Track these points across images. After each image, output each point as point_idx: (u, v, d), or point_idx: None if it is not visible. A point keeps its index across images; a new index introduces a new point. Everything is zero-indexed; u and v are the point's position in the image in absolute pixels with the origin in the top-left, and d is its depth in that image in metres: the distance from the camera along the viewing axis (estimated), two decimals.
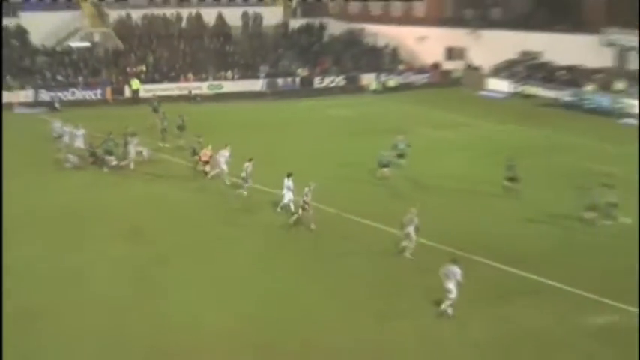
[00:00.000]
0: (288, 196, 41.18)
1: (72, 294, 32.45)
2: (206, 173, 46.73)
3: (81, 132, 52.87)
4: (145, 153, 51.18)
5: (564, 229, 39.91)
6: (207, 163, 46.69)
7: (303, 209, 38.11)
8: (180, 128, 55.94)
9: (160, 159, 52.36)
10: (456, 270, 29.55)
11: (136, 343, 28.50)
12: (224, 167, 45.88)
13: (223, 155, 45.81)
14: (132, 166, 49.39)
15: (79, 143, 52.92)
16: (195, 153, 48.29)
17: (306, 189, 38.45)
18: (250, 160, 43.65)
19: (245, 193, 43.68)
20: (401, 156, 48.91)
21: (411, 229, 35.55)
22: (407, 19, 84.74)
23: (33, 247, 36.24)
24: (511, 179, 45.11)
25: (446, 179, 47.35)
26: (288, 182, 41.10)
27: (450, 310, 29.52)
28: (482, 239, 37.04)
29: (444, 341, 28.94)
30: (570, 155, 55.01)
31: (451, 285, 29.50)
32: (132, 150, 50.22)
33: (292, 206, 39.97)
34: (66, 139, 53.03)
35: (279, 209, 40.41)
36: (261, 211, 41.86)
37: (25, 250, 35.67)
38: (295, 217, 38.25)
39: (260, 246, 37.75)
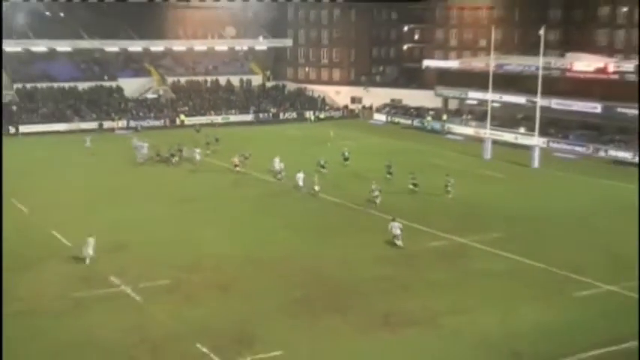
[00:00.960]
0: (278, 165, 51.64)
1: (146, 232, 39.60)
2: (236, 166, 53.70)
3: (145, 144, 61.57)
4: (197, 156, 57.84)
5: (420, 195, 47.17)
6: (236, 165, 53.88)
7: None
8: (212, 142, 64.84)
9: (204, 161, 59.12)
10: (397, 224, 35.95)
11: (178, 260, 35.72)
12: (277, 167, 52.50)
13: (275, 161, 53.30)
14: (197, 159, 57.46)
15: (145, 150, 60.87)
16: (245, 157, 55.45)
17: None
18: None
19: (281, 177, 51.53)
20: (346, 159, 57.05)
21: (377, 191, 44.47)
22: (330, 82, 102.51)
23: (127, 207, 44.39)
24: (389, 172, 52.09)
25: (358, 169, 55.84)
26: (279, 163, 51.58)
27: (400, 243, 35.41)
28: (386, 199, 45.32)
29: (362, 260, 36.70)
30: (419, 155, 64.56)
31: (397, 231, 35.75)
32: (191, 154, 57.81)
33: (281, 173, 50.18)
34: (139, 148, 61.29)
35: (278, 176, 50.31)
36: (260, 186, 49.97)
37: (124, 209, 44.10)
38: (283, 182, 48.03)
39: (256, 204, 45.34)
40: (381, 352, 25.03)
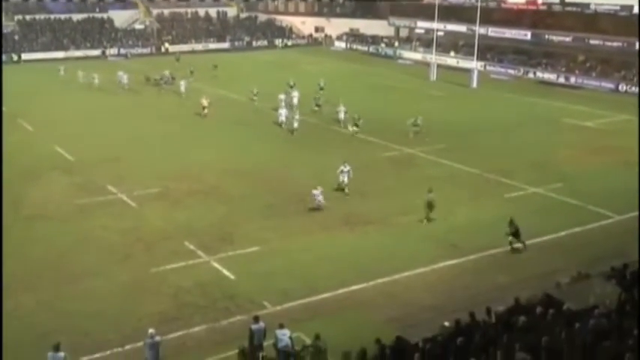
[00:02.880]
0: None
1: (137, 147, 39.45)
2: (204, 108, 46.26)
3: (125, 75, 58.14)
4: (182, 88, 54.26)
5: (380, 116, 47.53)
6: (205, 107, 46.22)
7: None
8: (192, 72, 61.43)
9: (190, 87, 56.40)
10: (346, 167, 31.09)
11: (167, 171, 36.43)
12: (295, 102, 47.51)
13: (288, 93, 48.94)
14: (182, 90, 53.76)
15: (125, 80, 57.61)
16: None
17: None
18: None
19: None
20: (322, 89, 51.42)
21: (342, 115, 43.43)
22: (296, 13, 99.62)
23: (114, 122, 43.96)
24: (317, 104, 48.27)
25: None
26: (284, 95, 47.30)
27: (347, 190, 31.01)
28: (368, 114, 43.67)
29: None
30: (374, 77, 64.60)
31: (344, 178, 32.07)
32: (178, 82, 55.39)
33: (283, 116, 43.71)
34: (121, 78, 58.38)
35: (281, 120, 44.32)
36: (238, 106, 49.63)
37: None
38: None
39: (235, 121, 45.04)
40: (341, 245, 25.47)
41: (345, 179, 30.99)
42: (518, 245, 24.78)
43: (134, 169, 35.36)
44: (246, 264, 23.93)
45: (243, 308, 20.62)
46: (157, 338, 16.86)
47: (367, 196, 30.99)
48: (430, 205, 27.51)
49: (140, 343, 17.44)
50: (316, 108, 47.71)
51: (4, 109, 46.81)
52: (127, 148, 39.18)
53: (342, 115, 43.47)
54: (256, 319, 17.51)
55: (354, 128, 40.94)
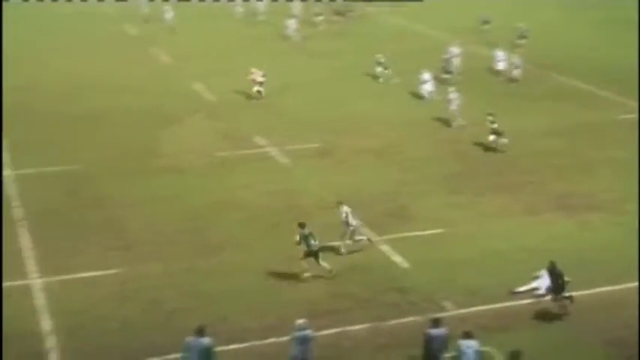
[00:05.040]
0: None
1: (289, 89, 40.45)
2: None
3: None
4: None
5: None
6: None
7: None
8: None
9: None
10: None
11: (328, 121, 36.94)
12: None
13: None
14: None
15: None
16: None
17: None
18: None
19: None
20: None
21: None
22: None
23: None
24: None
25: None
26: None
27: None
28: None
29: None
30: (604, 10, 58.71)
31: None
32: None
33: None
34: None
35: None
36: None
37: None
38: None
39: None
40: (552, 236, 24.38)
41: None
42: None
43: (287, 117, 36.02)
44: (424, 250, 23.66)
45: (416, 307, 20.39)
46: (309, 332, 17.01)
47: (593, 173, 29.67)
48: None
49: (285, 338, 17.68)
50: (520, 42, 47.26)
51: (133, 32, 50.11)
52: (280, 90, 39.92)
53: None
54: (436, 323, 17.22)
55: None
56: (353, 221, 23.24)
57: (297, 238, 22.07)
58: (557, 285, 19.91)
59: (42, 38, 53.44)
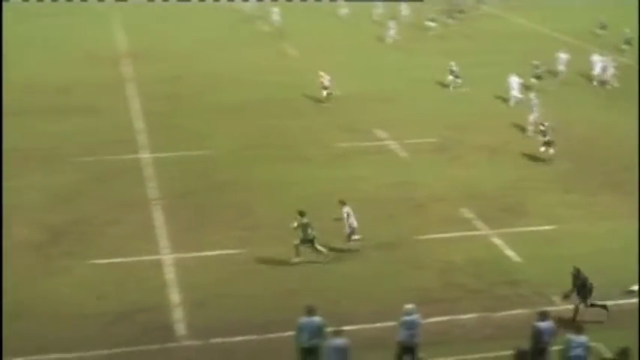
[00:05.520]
0: None
1: (411, 83, 41.09)
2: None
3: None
4: None
5: None
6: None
7: None
8: None
9: None
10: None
11: (447, 117, 37.45)
12: None
13: None
14: None
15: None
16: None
17: None
18: None
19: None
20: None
21: None
22: None
23: None
24: None
25: None
26: None
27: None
28: None
29: None
30: None
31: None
32: None
33: None
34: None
35: None
36: None
37: None
38: None
39: None
40: None
41: None
42: None
43: (407, 113, 36.41)
44: (536, 245, 23.62)
45: (526, 300, 20.41)
46: (416, 316, 17.26)
47: None
48: None
49: (393, 323, 17.94)
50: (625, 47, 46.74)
51: (267, 29, 51.41)
52: (401, 87, 40.39)
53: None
54: (543, 316, 17.17)
55: None
56: (353, 222, 23.21)
57: (295, 224, 22.56)
58: (584, 291, 19.47)
59: (191, 34, 55.27)
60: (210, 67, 45.13)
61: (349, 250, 23.11)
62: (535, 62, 41.16)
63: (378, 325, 19.15)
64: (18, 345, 18.27)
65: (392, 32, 52.81)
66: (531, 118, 33.50)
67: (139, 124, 35.03)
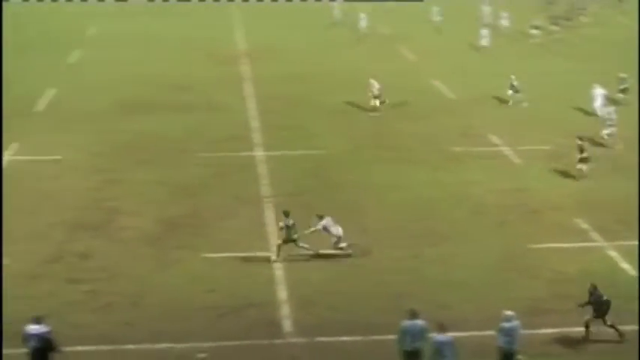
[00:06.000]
0: None
1: (534, 89, 38.12)
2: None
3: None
4: None
5: None
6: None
7: None
8: None
9: None
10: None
11: (563, 124, 36.08)
12: None
13: None
14: None
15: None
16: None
17: None
18: None
19: None
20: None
21: None
22: None
23: None
24: None
25: None
26: None
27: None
28: None
29: None
30: None
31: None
32: None
33: None
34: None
35: None
36: None
37: None
38: None
39: None
40: None
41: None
42: None
43: (522, 118, 35.57)
44: None
45: (637, 316, 19.36)
46: (516, 323, 16.81)
47: None
48: None
49: None
50: None
51: (384, 31, 51.34)
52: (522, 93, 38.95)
53: None
54: None
55: None
56: (337, 231, 22.55)
57: (281, 224, 22.62)
58: (602, 309, 18.52)
59: (302, 34, 55.63)
60: (324, 68, 45.20)
61: (336, 257, 22.70)
62: (622, 75, 38.73)
63: (487, 332, 18.45)
64: (130, 333, 18.73)
65: (486, 40, 50.06)
66: (604, 132, 32.03)
67: (255, 122, 35.49)
